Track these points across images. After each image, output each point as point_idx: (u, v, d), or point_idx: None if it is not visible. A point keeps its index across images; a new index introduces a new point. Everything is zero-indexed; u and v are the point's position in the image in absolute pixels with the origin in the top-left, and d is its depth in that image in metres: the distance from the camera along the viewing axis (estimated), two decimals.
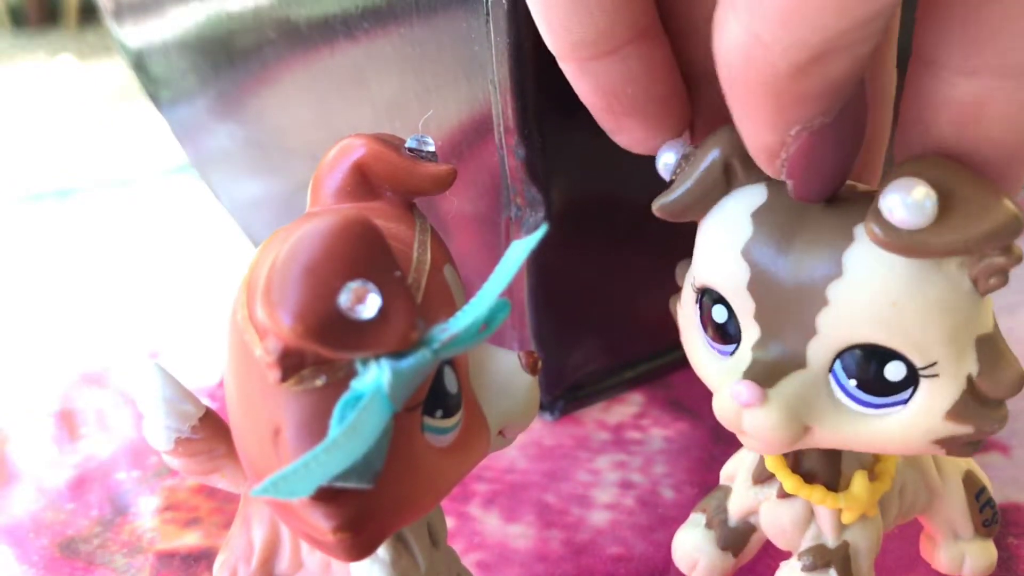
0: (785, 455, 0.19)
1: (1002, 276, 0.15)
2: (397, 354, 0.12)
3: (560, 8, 0.16)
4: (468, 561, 0.23)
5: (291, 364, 0.12)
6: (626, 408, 0.30)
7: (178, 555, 0.24)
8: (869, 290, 0.15)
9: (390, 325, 0.12)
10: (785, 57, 0.13)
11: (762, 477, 0.19)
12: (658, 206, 0.18)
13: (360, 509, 0.13)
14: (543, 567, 0.23)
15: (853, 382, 0.16)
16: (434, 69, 0.23)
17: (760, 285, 0.16)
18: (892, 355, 0.15)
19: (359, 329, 0.12)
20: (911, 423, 0.16)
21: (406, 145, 0.16)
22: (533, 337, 0.27)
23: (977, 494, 0.21)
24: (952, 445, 0.16)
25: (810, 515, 0.19)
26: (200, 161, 0.43)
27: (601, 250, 0.27)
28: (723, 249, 0.17)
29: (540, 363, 0.16)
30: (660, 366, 0.32)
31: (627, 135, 0.18)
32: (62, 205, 0.57)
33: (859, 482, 0.19)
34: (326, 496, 0.12)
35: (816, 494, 0.18)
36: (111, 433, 0.30)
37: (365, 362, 0.12)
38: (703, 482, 0.26)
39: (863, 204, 0.15)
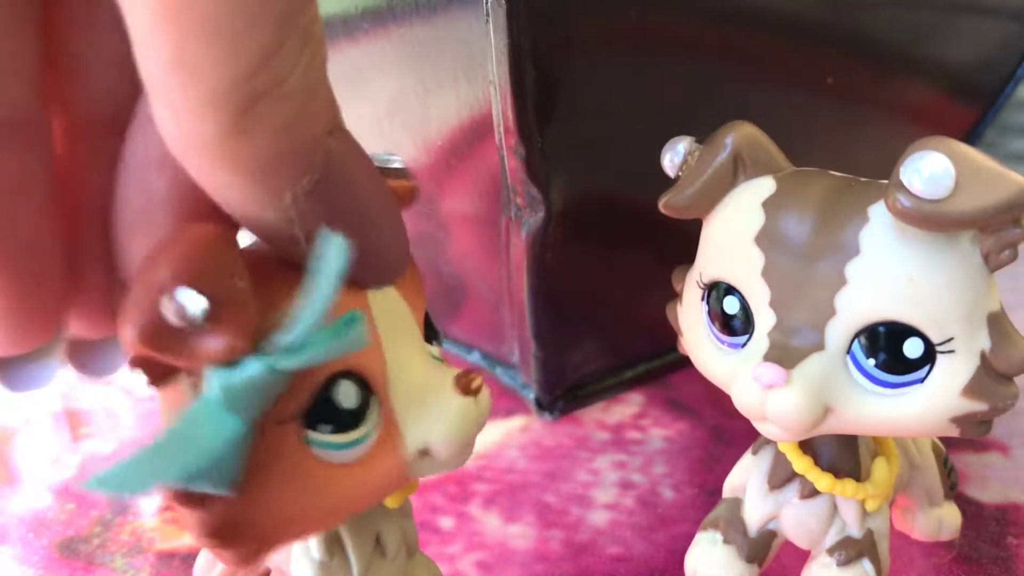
0: (806, 452, 0.19)
1: (1013, 250, 0.15)
2: (229, 364, 0.12)
3: None
4: (468, 561, 0.23)
5: (152, 370, 0.13)
6: (626, 408, 0.30)
7: (178, 555, 0.24)
8: (887, 267, 0.15)
9: (217, 332, 0.12)
10: (215, 120, 0.11)
11: (780, 481, 0.19)
12: (665, 202, 0.18)
13: (228, 519, 0.13)
14: (543, 567, 0.23)
15: (872, 361, 0.16)
16: (434, 69, 0.23)
17: (775, 271, 0.17)
18: (910, 332, 0.16)
19: (183, 335, 0.12)
20: (929, 401, 0.16)
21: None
22: (533, 337, 0.27)
23: (944, 460, 0.22)
24: (967, 423, 0.16)
25: (834, 510, 0.19)
26: None
27: (601, 250, 0.27)
28: (736, 239, 0.17)
29: (479, 383, 0.15)
30: (660, 366, 0.32)
31: None
32: None
33: (881, 468, 0.19)
34: (192, 501, 0.12)
35: (848, 488, 0.18)
36: (113, 432, 0.30)
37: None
38: (703, 482, 0.26)
39: (872, 188, 0.16)
